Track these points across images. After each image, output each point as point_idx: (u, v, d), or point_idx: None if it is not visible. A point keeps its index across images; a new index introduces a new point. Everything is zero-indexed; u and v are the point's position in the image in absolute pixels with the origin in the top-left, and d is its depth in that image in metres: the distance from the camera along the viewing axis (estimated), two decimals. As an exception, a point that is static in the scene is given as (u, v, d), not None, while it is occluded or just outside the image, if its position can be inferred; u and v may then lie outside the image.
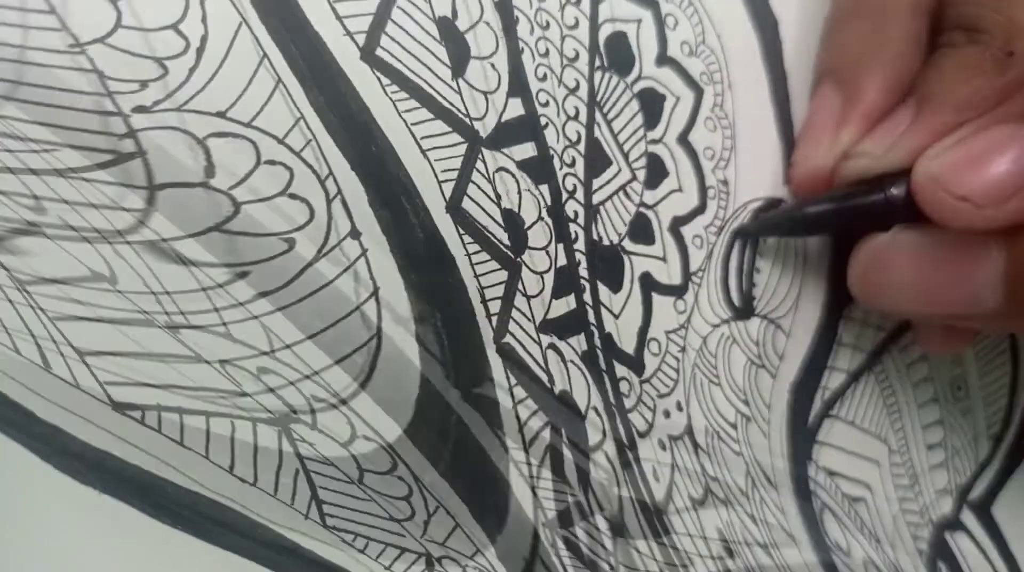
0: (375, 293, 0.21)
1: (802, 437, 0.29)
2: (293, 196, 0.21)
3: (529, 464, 0.23)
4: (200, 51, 0.20)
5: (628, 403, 0.25)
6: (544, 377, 0.24)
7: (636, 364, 0.26)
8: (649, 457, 0.25)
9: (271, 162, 0.20)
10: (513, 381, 0.23)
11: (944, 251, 0.24)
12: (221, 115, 0.20)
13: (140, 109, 0.19)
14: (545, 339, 0.24)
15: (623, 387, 0.25)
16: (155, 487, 0.19)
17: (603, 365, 0.25)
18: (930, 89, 0.25)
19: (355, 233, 0.21)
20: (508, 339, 0.23)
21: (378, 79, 0.22)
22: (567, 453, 0.24)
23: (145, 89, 0.19)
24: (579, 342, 0.25)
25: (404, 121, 0.22)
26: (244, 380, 0.20)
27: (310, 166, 0.21)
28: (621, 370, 0.25)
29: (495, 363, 0.23)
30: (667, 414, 0.26)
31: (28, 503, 0.18)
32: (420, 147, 0.22)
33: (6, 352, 0.18)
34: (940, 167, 0.23)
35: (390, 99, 0.22)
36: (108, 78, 0.19)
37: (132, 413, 0.19)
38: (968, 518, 0.32)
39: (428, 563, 0.22)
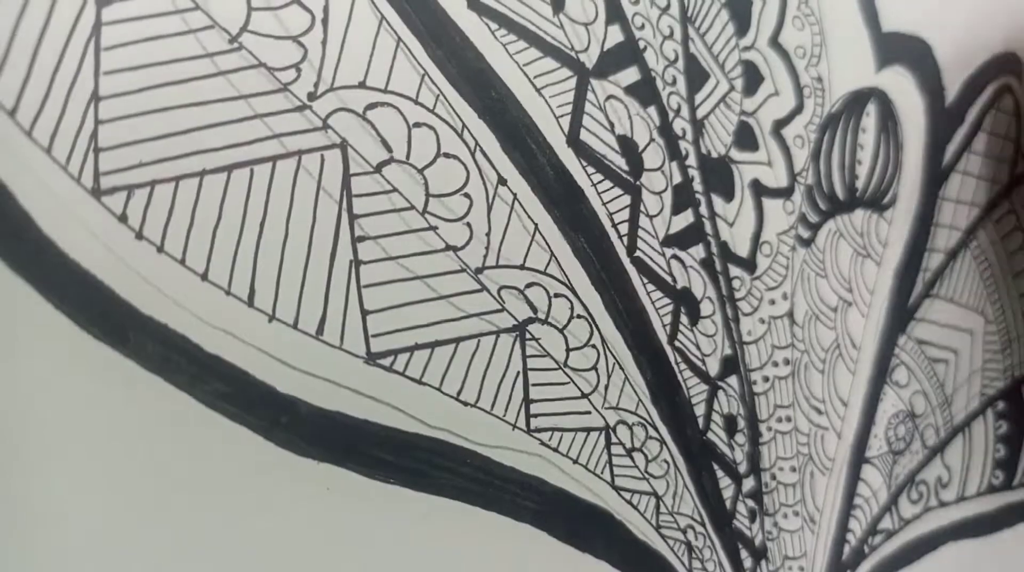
0: (537, 228, 0.24)
1: (900, 315, 0.30)
2: (447, 155, 0.22)
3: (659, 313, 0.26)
4: (325, 23, 0.21)
5: (738, 294, 0.27)
6: (668, 279, 0.26)
7: (749, 265, 0.27)
8: (748, 327, 0.27)
9: (417, 124, 0.21)
10: (645, 280, 0.25)
11: None
12: (363, 86, 0.21)
13: (311, 96, 0.20)
14: (668, 251, 0.25)
15: (736, 284, 0.27)
16: (378, 438, 0.22)
17: (719, 268, 0.26)
18: None
19: (502, 180, 0.23)
20: (638, 254, 0.25)
21: (487, 25, 0.23)
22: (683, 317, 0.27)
23: (300, 75, 0.20)
24: (698, 251, 0.26)
25: (516, 63, 0.23)
26: (508, 297, 0.23)
27: (446, 122, 0.22)
28: (735, 271, 0.27)
29: (631, 272, 0.25)
30: (772, 302, 0.28)
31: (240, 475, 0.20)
32: (535, 86, 0.23)
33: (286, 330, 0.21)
34: None
35: (500, 43, 0.23)
36: (273, 69, 0.20)
37: (383, 361, 0.22)
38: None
39: (606, 436, 0.25)
